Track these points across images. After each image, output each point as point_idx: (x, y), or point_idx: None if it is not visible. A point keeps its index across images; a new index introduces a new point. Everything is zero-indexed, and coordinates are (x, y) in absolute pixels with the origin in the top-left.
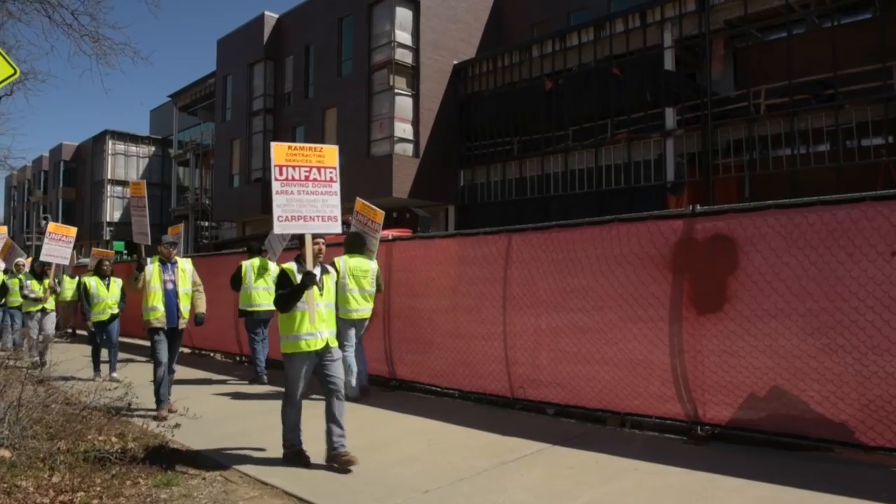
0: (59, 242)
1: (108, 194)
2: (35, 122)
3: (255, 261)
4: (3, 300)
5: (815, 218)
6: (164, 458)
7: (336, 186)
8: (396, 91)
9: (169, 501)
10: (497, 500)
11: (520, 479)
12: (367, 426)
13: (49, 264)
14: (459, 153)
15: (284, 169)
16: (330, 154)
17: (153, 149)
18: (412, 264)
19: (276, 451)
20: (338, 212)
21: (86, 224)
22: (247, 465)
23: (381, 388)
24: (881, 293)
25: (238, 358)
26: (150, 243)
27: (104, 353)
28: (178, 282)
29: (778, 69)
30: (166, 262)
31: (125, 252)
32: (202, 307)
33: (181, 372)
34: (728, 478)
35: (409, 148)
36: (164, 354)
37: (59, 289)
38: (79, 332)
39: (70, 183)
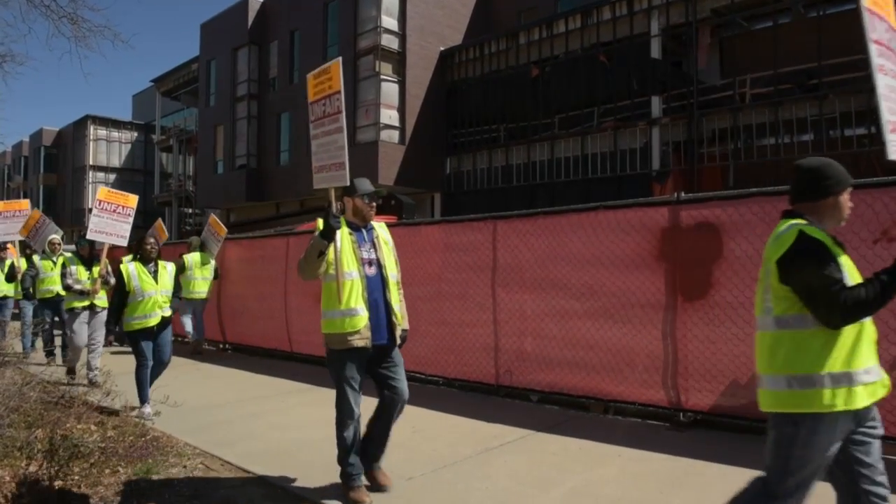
0: (113, 215)
1: (90, 180)
2: (14, 107)
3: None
4: (30, 289)
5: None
6: (145, 446)
7: None
8: (382, 77)
9: (149, 490)
10: (481, 487)
11: (504, 466)
12: None
13: (100, 245)
14: (445, 140)
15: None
16: None
17: (135, 134)
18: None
19: (259, 438)
20: None
21: (67, 210)
22: (229, 453)
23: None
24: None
25: (222, 345)
26: (348, 183)
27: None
28: (383, 261)
29: (763, 58)
30: (360, 229)
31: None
32: (406, 318)
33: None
34: (710, 463)
35: (395, 135)
36: (357, 402)
37: (112, 279)
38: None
39: (51, 169)
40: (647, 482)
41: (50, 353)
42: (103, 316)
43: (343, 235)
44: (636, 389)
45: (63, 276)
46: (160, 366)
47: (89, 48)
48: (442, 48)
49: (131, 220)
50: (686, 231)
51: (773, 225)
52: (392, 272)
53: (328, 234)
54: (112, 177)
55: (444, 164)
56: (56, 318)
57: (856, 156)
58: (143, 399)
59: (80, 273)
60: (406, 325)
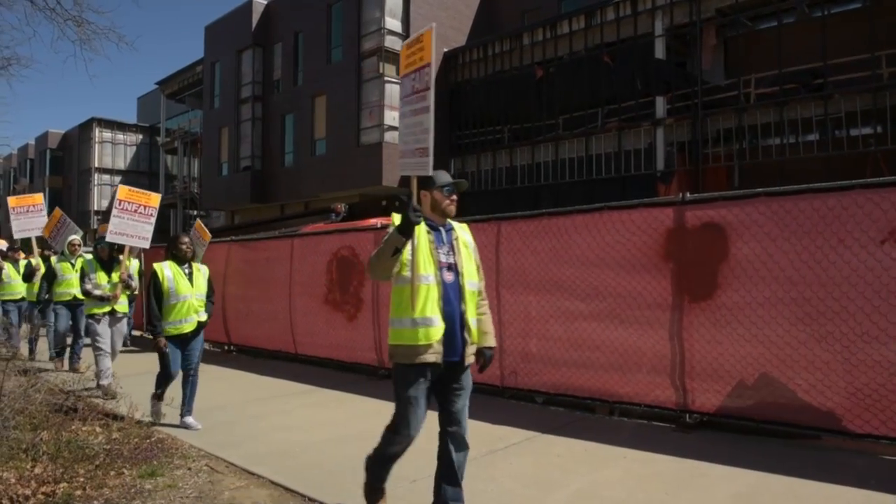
0: (134, 215)
1: (96, 182)
2: (20, 110)
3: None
4: (48, 292)
5: (806, 205)
6: (149, 448)
7: None
8: (386, 79)
9: (154, 492)
10: (486, 489)
11: (508, 468)
12: (356, 415)
13: (120, 248)
14: (450, 141)
15: None
16: None
17: (140, 137)
18: None
19: (264, 440)
20: None
21: (73, 213)
22: (233, 455)
23: (370, 378)
24: (872, 279)
25: (226, 347)
26: (430, 172)
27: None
28: (461, 268)
29: (768, 58)
30: (438, 228)
31: None
32: (492, 334)
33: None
34: (716, 465)
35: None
36: (419, 424)
37: (134, 283)
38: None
39: (56, 171)
40: (652, 484)
41: (59, 355)
42: (124, 322)
43: (420, 233)
44: (642, 390)
45: (82, 280)
46: (190, 374)
47: (94, 51)
48: (445, 49)
49: (153, 220)
50: (692, 231)
51: (781, 224)
52: (471, 280)
53: (406, 230)
54: (117, 179)
55: (449, 166)
56: (71, 322)
57: (861, 155)
58: (156, 403)
59: (99, 278)
60: (492, 343)
